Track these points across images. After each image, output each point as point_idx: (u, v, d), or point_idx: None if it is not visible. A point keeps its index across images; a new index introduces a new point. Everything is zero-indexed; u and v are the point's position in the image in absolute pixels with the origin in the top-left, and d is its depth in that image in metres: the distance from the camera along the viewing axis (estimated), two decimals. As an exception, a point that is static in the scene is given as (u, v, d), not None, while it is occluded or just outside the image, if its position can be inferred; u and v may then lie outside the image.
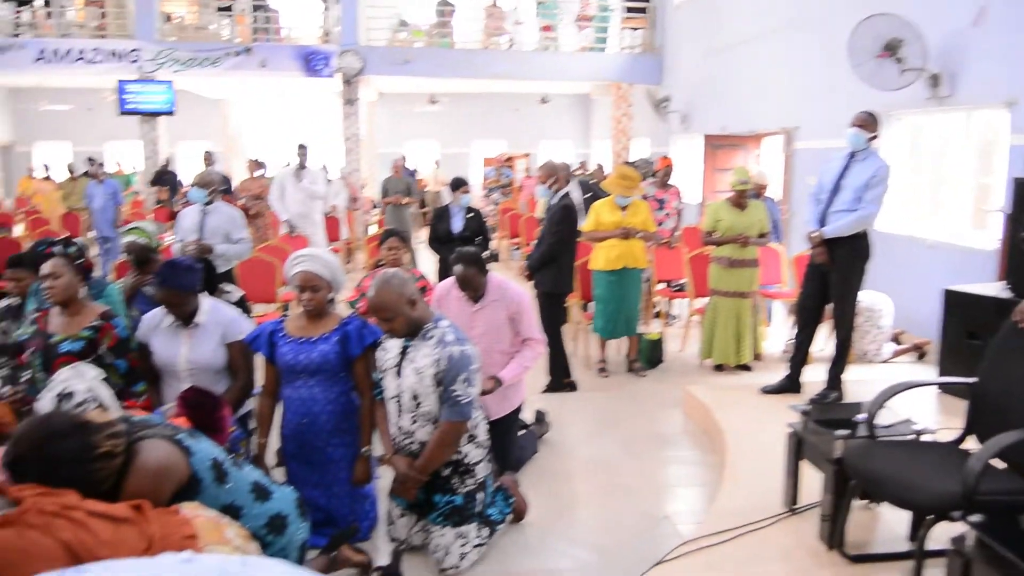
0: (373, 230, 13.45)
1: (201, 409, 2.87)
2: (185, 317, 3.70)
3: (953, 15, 6.67)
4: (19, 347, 3.77)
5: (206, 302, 3.78)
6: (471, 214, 7.03)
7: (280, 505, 2.73)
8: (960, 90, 6.68)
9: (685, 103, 13.31)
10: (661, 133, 14.41)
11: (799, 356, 5.48)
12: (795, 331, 5.62)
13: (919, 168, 7.85)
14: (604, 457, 4.89)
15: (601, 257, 6.26)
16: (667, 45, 14.37)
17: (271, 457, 3.78)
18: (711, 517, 3.78)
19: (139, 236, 4.68)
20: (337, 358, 3.54)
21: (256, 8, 14.26)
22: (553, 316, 5.99)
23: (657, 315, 8.18)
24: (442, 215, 7.08)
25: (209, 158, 11.41)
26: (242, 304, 4.62)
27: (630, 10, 14.83)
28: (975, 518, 2.40)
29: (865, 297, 6.13)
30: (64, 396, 2.79)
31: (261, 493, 2.68)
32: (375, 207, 14.65)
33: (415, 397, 3.42)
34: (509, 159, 17.53)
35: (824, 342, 6.29)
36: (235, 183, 12.30)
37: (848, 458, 3.16)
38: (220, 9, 14.74)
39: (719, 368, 6.51)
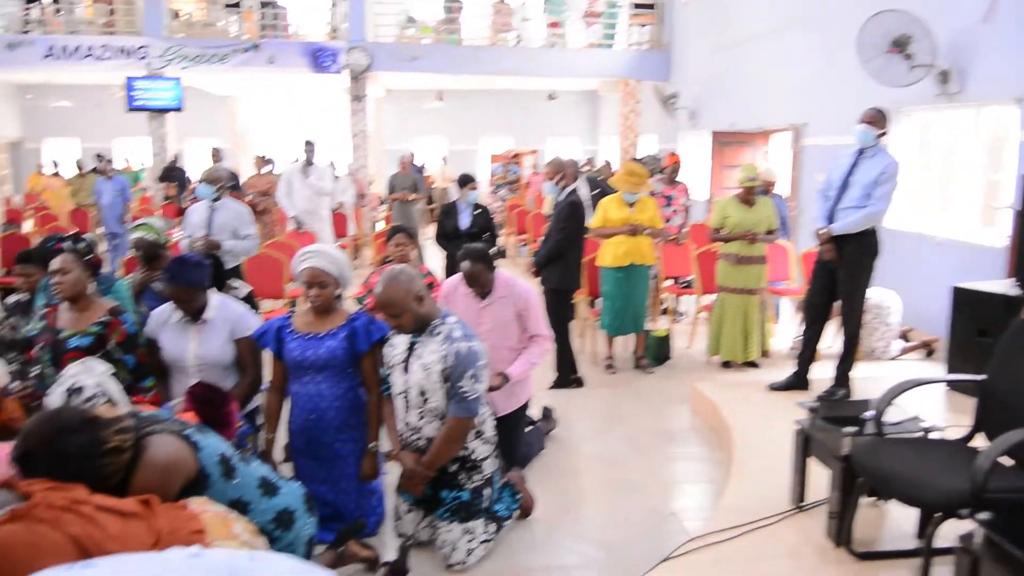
0: (380, 226, 13.45)
1: (209, 404, 2.89)
2: (194, 313, 3.71)
3: (963, 11, 6.63)
4: (28, 342, 3.78)
5: (215, 298, 3.79)
6: (478, 210, 7.03)
7: (287, 500, 2.73)
8: (970, 86, 6.64)
9: (693, 99, 13.28)
10: (669, 129, 14.38)
11: (807, 353, 5.46)
12: (803, 328, 5.60)
13: (928, 165, 7.82)
14: (611, 453, 4.89)
15: (608, 254, 6.26)
16: (675, 41, 14.33)
17: (279, 452, 3.79)
18: (718, 514, 3.77)
19: (147, 232, 4.70)
20: (344, 354, 3.55)
21: (264, 5, 14.27)
22: (560, 313, 5.99)
23: (664, 312, 8.17)
24: (449, 211, 7.08)
25: (217, 154, 11.43)
26: (250, 300, 4.63)
27: (638, 6, 14.79)
28: (983, 516, 2.39)
29: (873, 294, 6.12)
30: (74, 391, 2.81)
31: (269, 488, 2.69)
32: (382, 203, 14.66)
33: (422, 393, 3.42)
34: (516, 155, 17.51)
35: (832, 339, 6.28)
36: (243, 179, 12.32)
37: (856, 455, 3.15)
38: (228, 6, 14.76)
39: (726, 365, 6.49)
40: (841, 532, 3.29)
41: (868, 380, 5.46)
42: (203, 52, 13.51)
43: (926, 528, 2.88)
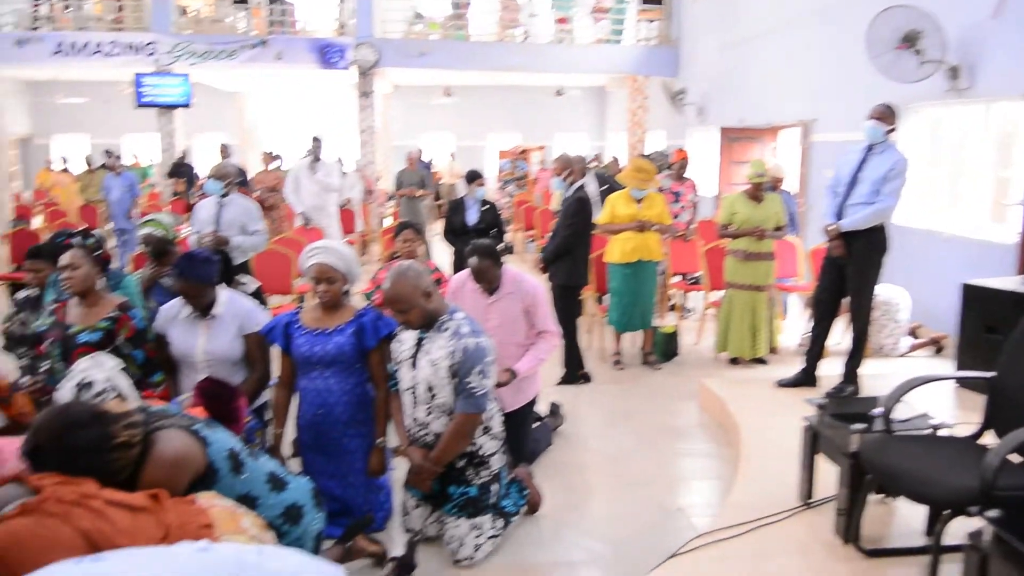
0: (388, 222, 13.47)
1: (218, 399, 2.90)
2: (203, 308, 3.72)
3: (972, 7, 6.59)
4: (38, 338, 3.80)
5: (223, 294, 3.80)
6: (486, 206, 7.03)
7: (296, 495, 2.74)
8: (979, 82, 6.61)
9: (701, 95, 13.25)
10: (677, 125, 14.35)
11: (815, 350, 5.45)
12: (811, 324, 5.59)
13: (937, 161, 7.78)
14: (618, 449, 4.89)
15: (616, 250, 6.25)
16: (683, 37, 14.30)
17: (287, 447, 3.80)
18: (726, 510, 3.77)
19: (156, 228, 4.71)
20: (352, 349, 3.56)
21: (272, 1, 14.28)
22: (568, 309, 5.99)
23: (672, 308, 8.17)
24: (457, 207, 7.09)
25: (225, 150, 11.47)
26: (258, 295, 4.65)
27: (646, 1, 14.76)
28: (992, 513, 2.38)
29: (882, 291, 6.10)
30: (84, 386, 2.82)
31: (277, 483, 2.70)
32: (390, 199, 14.68)
33: (430, 389, 3.43)
34: (524, 152, 17.51)
35: (840, 336, 6.26)
36: (251, 175, 12.36)
37: (864, 452, 3.14)
38: (236, 2, 14.76)
39: (734, 361, 6.48)
40: (849, 529, 3.29)
41: (877, 377, 5.45)
42: (211, 48, 13.54)
43: (935, 525, 2.88)
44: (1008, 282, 5.40)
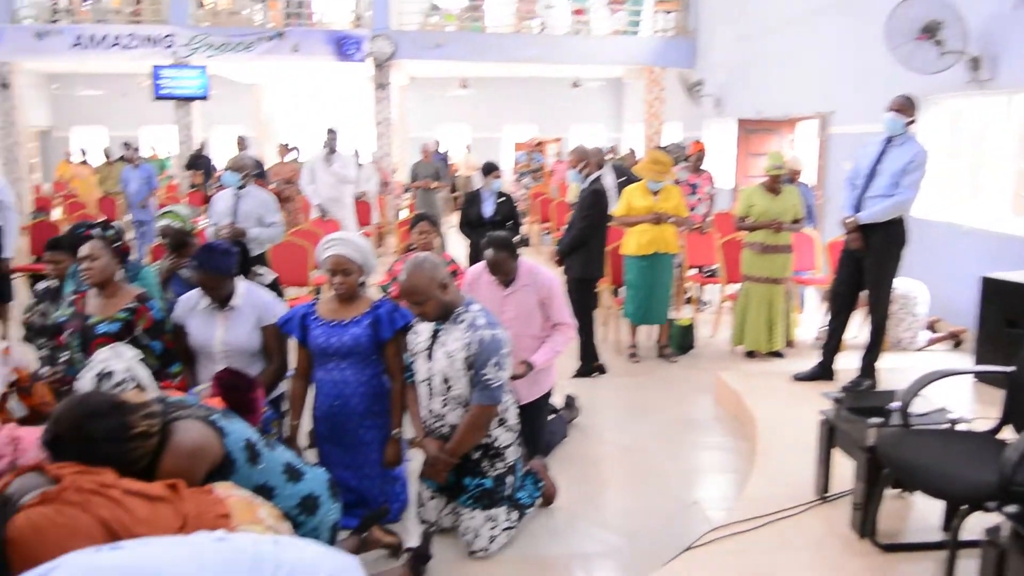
0: (404, 214, 13.49)
1: (235, 390, 2.92)
2: (221, 300, 3.74)
3: (994, -4, 6.52)
4: (58, 328, 3.83)
5: (242, 285, 3.83)
6: (502, 199, 7.03)
7: (312, 486, 2.76)
8: (1001, 73, 6.53)
9: (718, 87, 13.17)
10: (694, 117, 14.28)
11: (832, 343, 5.42)
12: (828, 318, 5.56)
13: (958, 153, 7.71)
14: (634, 442, 4.89)
15: (632, 242, 6.23)
16: (700, 28, 14.21)
17: (303, 438, 3.82)
18: (741, 504, 3.76)
19: (174, 220, 4.74)
20: (368, 341, 3.57)
21: (288, -7, 14.33)
22: (583, 301, 5.98)
23: (688, 301, 8.14)
24: (473, 199, 7.08)
25: (242, 142, 11.50)
26: (275, 287, 4.67)
27: (663, -8, 14.70)
28: (1011, 509, 2.37)
29: (900, 284, 6.05)
30: (104, 376, 2.85)
31: (293, 474, 2.72)
32: (406, 191, 14.70)
33: (446, 380, 3.44)
34: (540, 144, 17.47)
35: (858, 329, 6.22)
36: (267, 167, 12.41)
37: (881, 446, 3.13)
38: (253, -6, 14.84)
39: (751, 355, 6.46)
40: (865, 523, 3.27)
41: (894, 371, 5.42)
42: (228, 40, 13.58)
43: (952, 521, 2.86)
44: (1029, 276, 5.35)
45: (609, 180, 7.13)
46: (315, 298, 3.87)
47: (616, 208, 6.37)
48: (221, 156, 15.98)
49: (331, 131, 9.64)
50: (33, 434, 2.57)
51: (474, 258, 6.73)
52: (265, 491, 2.56)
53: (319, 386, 3.68)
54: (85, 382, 2.86)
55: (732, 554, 3.28)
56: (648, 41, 14.73)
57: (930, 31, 6.63)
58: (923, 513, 3.55)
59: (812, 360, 5.58)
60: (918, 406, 3.31)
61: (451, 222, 11.35)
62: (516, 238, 4.95)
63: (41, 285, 4.72)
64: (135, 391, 2.74)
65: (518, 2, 15.07)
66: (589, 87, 21.31)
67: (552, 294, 4.31)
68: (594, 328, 6.10)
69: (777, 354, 6.40)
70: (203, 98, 14.15)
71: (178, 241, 4.65)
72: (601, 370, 6.12)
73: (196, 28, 13.72)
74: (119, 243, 3.78)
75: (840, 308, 5.38)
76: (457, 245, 8.73)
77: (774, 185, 6.24)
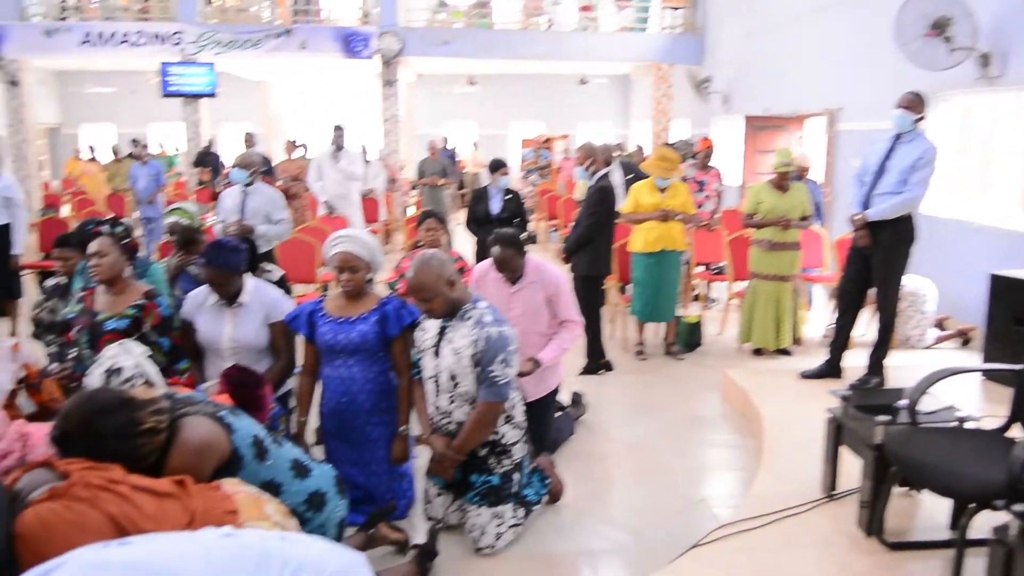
0: (411, 211, 13.50)
1: (244, 387, 2.92)
2: (229, 297, 3.76)
3: (1005, -8, 6.49)
4: (67, 325, 3.85)
5: (250, 282, 3.84)
6: (509, 196, 7.02)
7: (319, 482, 2.77)
8: (1011, 70, 6.50)
9: (726, 83, 13.14)
10: (702, 114, 14.25)
11: (840, 341, 5.41)
12: (836, 316, 5.54)
13: (967, 150, 7.68)
14: (641, 440, 4.89)
15: (639, 239, 6.22)
16: (708, 25, 14.18)
17: (311, 435, 3.83)
18: (748, 501, 3.76)
19: (182, 217, 4.76)
20: (376, 338, 3.57)
21: (296, -10, 14.35)
22: (590, 299, 5.97)
23: (696, 298, 8.13)
24: (480, 197, 7.08)
25: (250, 139, 11.52)
26: (282, 284, 4.68)
27: (670, -11, 14.68)
28: (1019, 507, 2.36)
29: (909, 281, 6.03)
30: (113, 372, 2.86)
31: (300, 470, 2.72)
32: (413, 188, 14.72)
33: (453, 377, 3.44)
34: (547, 140, 17.47)
35: (866, 327, 6.20)
36: (275, 164, 12.43)
37: (889, 444, 3.12)
38: (260, -10, 14.86)
39: (758, 352, 6.44)
40: (873, 522, 3.26)
41: (902, 369, 5.39)
42: (236, 38, 13.60)
43: (960, 519, 2.85)
44: (1038, 273, 5.33)
45: (617, 177, 7.13)
46: (322, 295, 3.88)
47: (624, 205, 6.37)
48: (229, 153, 16.00)
49: (338, 128, 9.65)
50: (42, 430, 2.59)
51: (481, 255, 6.73)
52: (272, 487, 2.57)
53: (326, 383, 3.69)
54: (94, 378, 2.87)
55: (739, 552, 3.27)
56: (656, 38, 14.70)
57: (940, 27, 6.60)
58: (930, 511, 3.54)
59: (819, 358, 5.56)
60: (926, 404, 3.30)
61: (458, 219, 11.36)
62: (523, 235, 4.96)
63: (50, 282, 4.74)
64: (144, 387, 2.75)
65: (526, -1, 15.08)
66: (597, 84, 21.28)
67: (559, 291, 4.31)
68: (601, 325, 6.10)
69: (784, 351, 6.38)
70: (211, 95, 14.18)
71: (186, 238, 4.66)
72: (608, 367, 6.12)
73: (204, 25, 13.75)
74: (128, 240, 3.80)
75: (848, 306, 5.36)
76: (464, 242, 8.73)
77: (782, 182, 6.22)
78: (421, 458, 3.95)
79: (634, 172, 7.88)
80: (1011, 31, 6.45)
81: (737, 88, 12.80)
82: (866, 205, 5.05)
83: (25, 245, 6.97)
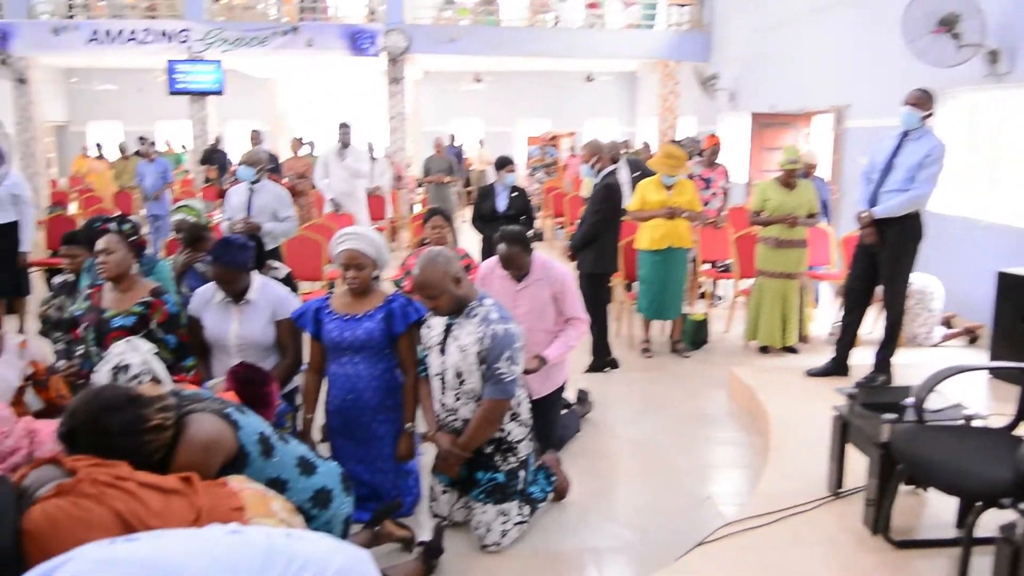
0: (417, 209, 13.50)
1: (251, 384, 2.93)
2: (236, 294, 3.76)
3: (1014, -12, 6.46)
4: (74, 322, 3.87)
5: (257, 279, 3.85)
6: (516, 193, 7.02)
7: (325, 480, 2.77)
8: (1019, 67, 6.47)
9: (733, 80, 13.11)
10: (708, 111, 14.23)
11: (846, 339, 5.39)
12: (842, 313, 5.53)
13: (975, 147, 7.65)
14: (646, 437, 4.88)
15: (646, 237, 6.22)
16: (715, 22, 14.15)
17: (317, 432, 3.84)
18: (754, 499, 3.75)
19: (188, 214, 4.77)
20: (382, 335, 3.58)
21: (302, -13, 14.36)
22: (596, 297, 5.96)
23: (702, 296, 8.12)
24: (487, 194, 7.07)
25: (256, 137, 11.55)
26: (288, 281, 4.69)
27: (678, -14, 14.64)
28: (1026, 505, 2.35)
29: (916, 279, 6.02)
30: (120, 369, 2.87)
31: (307, 467, 2.73)
32: (419, 186, 14.73)
33: (459, 375, 3.44)
34: (554, 138, 17.45)
35: (873, 325, 6.19)
36: (282, 162, 12.46)
37: (895, 442, 3.11)
38: (267, -12, 14.88)
39: (764, 350, 6.43)
40: (879, 520, 3.26)
41: (909, 367, 5.38)
42: (243, 35, 13.62)
43: (966, 517, 2.84)
44: (1046, 271, 5.30)
45: (624, 174, 7.11)
46: (329, 292, 3.89)
47: (630, 202, 6.36)
48: (236, 150, 16.04)
49: (344, 125, 9.67)
50: (49, 427, 2.60)
51: (487, 252, 6.73)
52: (278, 484, 2.58)
53: (332, 380, 3.69)
54: (102, 375, 2.88)
55: (745, 549, 3.27)
56: (663, 35, 14.68)
57: (948, 24, 6.58)
58: (937, 510, 3.53)
59: (826, 356, 5.56)
60: (933, 402, 3.29)
61: (464, 216, 11.36)
62: (529, 233, 4.94)
63: (57, 279, 4.76)
64: (151, 384, 2.76)
65: (532, -4, 15.07)
66: (603, 81, 21.24)
67: (565, 289, 4.31)
68: (607, 323, 6.10)
69: (791, 349, 6.37)
70: (218, 93, 14.20)
71: (194, 235, 4.67)
72: (614, 365, 6.12)
73: (211, 23, 13.78)
74: (135, 237, 3.81)
75: (854, 304, 5.35)
76: (470, 239, 8.74)
77: (789, 179, 6.20)
78: (427, 455, 3.95)
79: (641, 169, 7.87)
80: (1019, 27, 6.42)
81: (744, 85, 12.77)
82: (873, 202, 5.04)
83: (33, 242, 7.00)
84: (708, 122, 14.20)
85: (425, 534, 3.52)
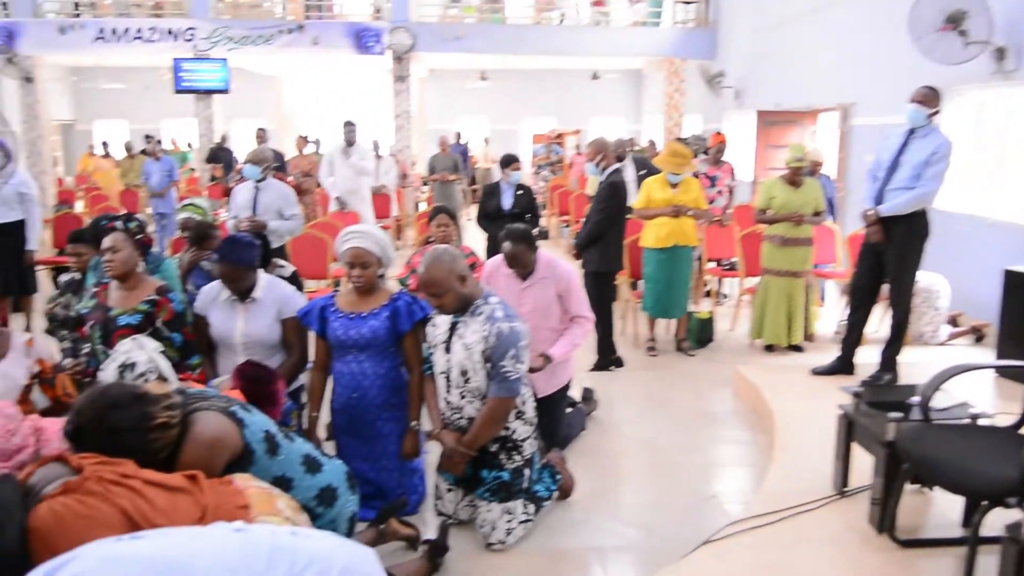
0: (423, 207, 13.51)
1: (257, 382, 2.94)
2: (242, 292, 3.77)
3: (1021, -14, 6.43)
4: (80, 320, 3.87)
5: (263, 278, 3.86)
6: (521, 191, 7.01)
7: (330, 478, 2.77)
8: (1027, 64, 6.45)
9: (739, 78, 13.09)
10: (714, 109, 14.20)
11: (852, 337, 5.38)
12: (848, 312, 5.52)
13: (982, 144, 7.62)
14: (652, 436, 4.88)
15: (651, 235, 6.21)
16: (721, 19, 14.12)
17: (322, 430, 3.84)
18: (759, 498, 3.75)
19: (194, 212, 4.77)
20: (387, 333, 3.58)
21: (308, -15, 14.37)
22: (601, 295, 5.95)
23: (707, 294, 8.11)
24: (492, 192, 7.07)
25: (262, 135, 11.56)
26: (294, 280, 4.69)
27: (684, -17, 14.63)
28: (1032, 505, 2.35)
29: (922, 277, 6.00)
30: (126, 367, 2.88)
31: (312, 466, 2.73)
32: (425, 184, 14.74)
33: (464, 373, 3.44)
34: (559, 136, 17.44)
35: (878, 323, 6.17)
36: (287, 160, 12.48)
37: (901, 441, 3.10)
38: (273, -14, 14.90)
39: (770, 348, 6.42)
40: (884, 519, 3.25)
41: (915, 365, 5.37)
42: (248, 33, 13.64)
43: (972, 516, 2.84)
44: (1053, 269, 5.28)
45: (629, 173, 7.10)
46: (334, 290, 3.89)
47: (635, 201, 6.35)
48: (242, 149, 16.07)
49: (349, 123, 9.67)
50: (55, 425, 2.60)
51: (492, 251, 6.72)
52: (283, 482, 2.58)
53: (337, 378, 3.70)
54: (108, 373, 2.89)
55: (750, 548, 3.27)
56: (668, 32, 14.65)
57: (954, 21, 6.55)
58: (943, 509, 3.52)
59: (832, 354, 5.55)
60: (939, 401, 3.28)
61: (470, 214, 11.35)
62: (535, 231, 4.94)
63: (64, 277, 4.77)
64: (157, 382, 2.76)
65: (538, -7, 15.06)
66: (608, 79, 21.21)
67: (570, 287, 4.31)
68: (612, 321, 6.09)
69: (796, 348, 6.36)
70: (224, 91, 14.22)
71: (200, 234, 4.68)
72: (619, 363, 6.11)
73: (217, 21, 13.79)
74: (141, 235, 3.82)
75: (860, 302, 5.34)
76: (476, 238, 8.73)
77: (794, 177, 6.19)
78: (432, 454, 3.95)
79: (647, 167, 7.85)
80: (1027, 25, 6.40)
81: (750, 83, 12.74)
82: (879, 200, 5.02)
83: (39, 241, 7.01)
84: (714, 120, 14.17)
85: (430, 532, 3.52)
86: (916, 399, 3.24)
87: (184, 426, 2.36)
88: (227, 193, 9.63)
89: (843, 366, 5.38)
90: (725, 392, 5.62)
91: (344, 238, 3.64)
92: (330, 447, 3.85)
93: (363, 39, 13.65)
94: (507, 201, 6.92)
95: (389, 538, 3.40)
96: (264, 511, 2.23)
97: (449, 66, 18.79)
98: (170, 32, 13.62)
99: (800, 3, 10.87)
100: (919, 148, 4.90)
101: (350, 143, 9.63)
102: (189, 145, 19.21)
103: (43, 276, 8.06)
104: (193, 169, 17.04)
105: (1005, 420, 3.24)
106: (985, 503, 2.71)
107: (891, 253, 5.03)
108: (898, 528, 3.24)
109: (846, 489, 3.66)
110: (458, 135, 17.86)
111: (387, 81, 14.74)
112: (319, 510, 2.69)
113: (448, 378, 3.51)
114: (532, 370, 3.95)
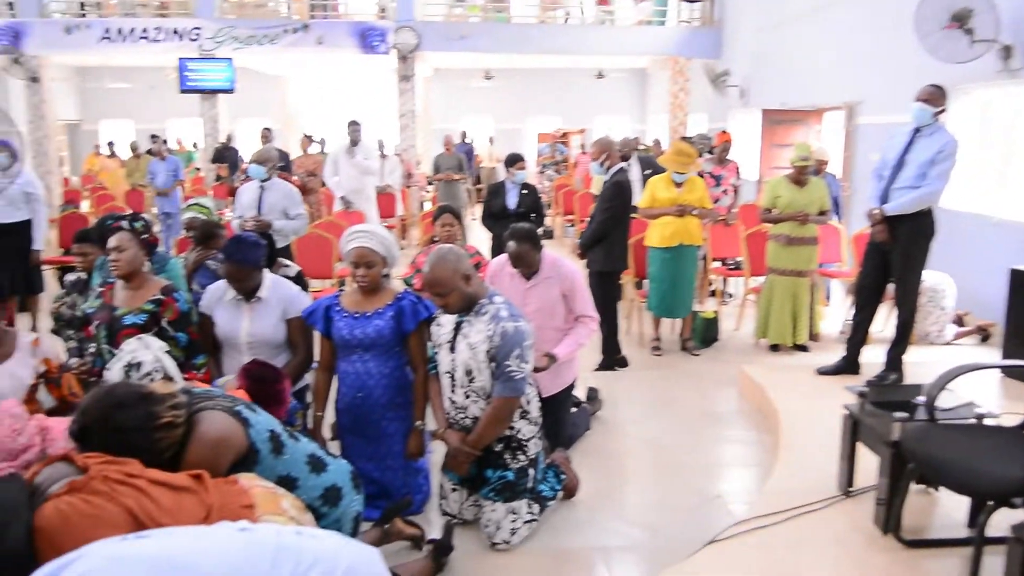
0: (428, 206, 13.52)
1: (263, 382, 2.95)
2: (248, 292, 3.78)
3: (1027, -16, 6.41)
4: (86, 320, 3.89)
5: (268, 278, 3.86)
6: (526, 190, 7.01)
7: (335, 477, 2.78)
8: (1033, 62, 6.43)
9: (744, 77, 13.06)
10: (719, 108, 14.17)
11: (857, 337, 5.37)
12: (853, 311, 5.51)
13: (988, 143, 7.59)
14: (656, 435, 4.88)
15: (656, 234, 6.21)
16: (726, 18, 14.09)
17: (327, 430, 3.85)
18: (764, 498, 3.74)
19: (199, 212, 4.78)
20: (391, 333, 3.58)
21: (313, -15, 14.39)
22: (606, 294, 5.95)
23: (712, 293, 8.10)
24: (497, 191, 7.07)
25: (267, 135, 11.58)
26: (299, 280, 4.70)
27: (688, -18, 14.59)
28: (1038, 505, 2.34)
29: (928, 277, 5.98)
30: (132, 366, 2.88)
31: (317, 465, 2.74)
32: (430, 184, 14.74)
33: (468, 372, 3.44)
34: (564, 135, 17.42)
35: (884, 323, 6.16)
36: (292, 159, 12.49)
37: (906, 441, 3.10)
38: (278, -14, 14.91)
39: (775, 348, 6.41)
40: (889, 519, 3.24)
41: (921, 365, 5.35)
42: (254, 33, 13.65)
43: (977, 517, 2.83)
44: (1059, 268, 5.26)
45: (634, 172, 7.10)
46: (339, 290, 3.90)
47: (640, 200, 6.34)
48: (247, 148, 16.09)
49: (353, 123, 9.68)
50: (61, 424, 2.61)
51: (497, 250, 6.72)
52: (288, 482, 2.58)
53: (342, 378, 3.70)
54: (114, 373, 2.89)
55: (755, 548, 3.27)
56: (673, 31, 14.63)
57: (960, 19, 6.53)
58: (948, 509, 3.51)
59: (837, 354, 5.54)
60: (944, 400, 3.27)
61: (474, 214, 11.36)
62: (539, 230, 4.94)
63: (70, 277, 4.79)
64: (162, 382, 2.77)
65: (543, -8, 15.05)
66: (613, 78, 21.19)
67: (575, 286, 4.30)
68: (617, 321, 6.09)
69: (802, 347, 6.35)
70: (229, 91, 14.24)
71: (206, 233, 4.69)
72: (624, 363, 6.11)
73: (222, 21, 13.82)
74: (147, 235, 3.83)
75: (865, 302, 5.33)
76: (480, 237, 8.74)
77: (800, 176, 6.18)
78: (436, 453, 3.96)
79: (651, 167, 7.84)
80: (1033, 23, 6.38)
81: (755, 81, 12.72)
82: (885, 199, 5.01)
83: (45, 240, 7.04)
84: (719, 119, 14.15)
85: (435, 532, 3.52)
86: (922, 399, 3.23)
87: (189, 425, 2.36)
88: (232, 193, 9.65)
89: (848, 366, 5.37)
90: (730, 392, 5.62)
91: (349, 238, 3.64)
92: (335, 447, 3.85)
93: (368, 38, 13.66)
94: (512, 200, 6.93)
95: (394, 538, 3.40)
96: (269, 511, 2.24)
97: (454, 65, 18.79)
98: (175, 32, 13.64)
99: (805, 2, 10.84)
100: (925, 147, 4.89)
101: (355, 142, 9.63)
102: (194, 145, 19.25)
103: (49, 276, 8.08)
104: (198, 169, 17.07)
105: (1011, 420, 3.23)
106: (991, 503, 2.71)
107: (897, 252, 5.01)
108: (903, 528, 3.23)
109: (851, 489, 3.65)
110: (463, 134, 17.87)
111: (392, 80, 14.74)
112: (324, 510, 2.69)
113: (453, 377, 3.51)
114: (537, 370, 3.94)
